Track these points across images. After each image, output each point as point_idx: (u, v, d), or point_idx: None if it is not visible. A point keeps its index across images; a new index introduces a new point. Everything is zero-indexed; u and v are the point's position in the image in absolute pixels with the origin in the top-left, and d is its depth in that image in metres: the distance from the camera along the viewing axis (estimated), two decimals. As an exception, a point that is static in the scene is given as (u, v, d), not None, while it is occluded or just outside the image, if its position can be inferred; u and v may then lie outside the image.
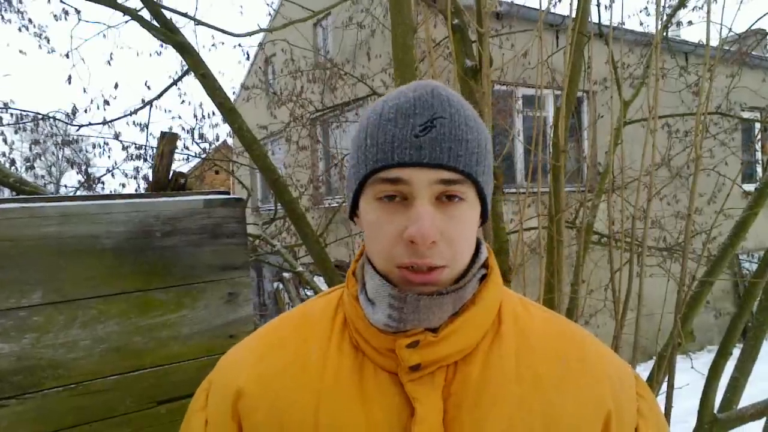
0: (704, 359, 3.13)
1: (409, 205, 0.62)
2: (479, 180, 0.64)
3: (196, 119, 5.23)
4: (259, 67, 8.25)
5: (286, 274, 5.96)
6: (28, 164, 4.69)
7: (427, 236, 0.60)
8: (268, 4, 6.10)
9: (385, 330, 0.65)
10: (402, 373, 0.65)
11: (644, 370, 2.87)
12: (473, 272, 0.68)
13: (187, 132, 5.09)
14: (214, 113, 5.43)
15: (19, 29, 4.44)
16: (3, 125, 4.08)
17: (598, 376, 0.68)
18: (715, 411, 2.30)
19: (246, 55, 5.68)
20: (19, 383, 1.15)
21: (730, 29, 2.51)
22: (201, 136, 5.17)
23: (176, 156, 1.57)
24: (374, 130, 0.64)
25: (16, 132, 4.50)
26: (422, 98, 0.63)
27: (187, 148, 5.06)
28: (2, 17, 4.32)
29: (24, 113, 4.01)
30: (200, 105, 5.85)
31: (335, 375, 0.67)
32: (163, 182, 1.47)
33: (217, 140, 5.63)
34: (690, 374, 2.97)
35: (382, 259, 0.65)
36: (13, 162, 4.26)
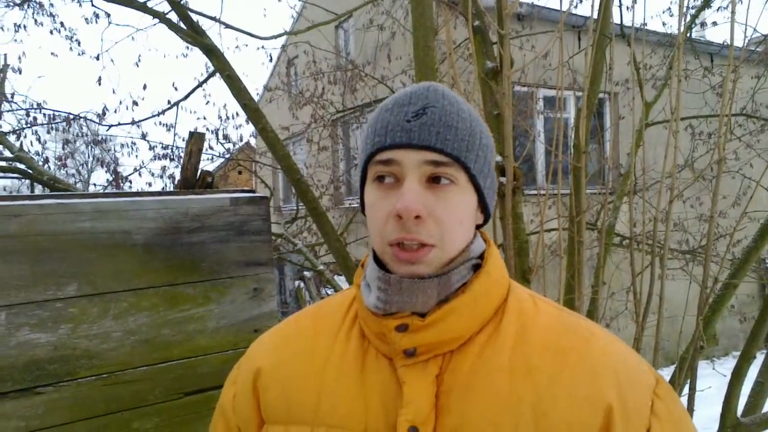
0: (729, 365, 3.08)
1: (400, 185, 0.66)
2: (469, 165, 0.67)
3: (221, 120, 5.33)
4: (286, 68, 8.34)
5: (307, 273, 6.02)
6: (60, 163, 4.83)
7: (411, 209, 0.63)
8: (291, 7, 6.17)
9: (376, 312, 0.69)
10: (396, 358, 0.68)
11: (666, 374, 2.84)
12: (460, 260, 0.69)
13: (212, 132, 5.19)
14: (237, 114, 5.53)
15: (51, 32, 4.58)
16: (37, 125, 4.21)
17: (598, 370, 0.65)
18: (739, 415, 2.28)
19: (269, 57, 5.75)
20: (55, 372, 1.20)
21: (756, 29, 2.48)
22: (225, 136, 5.27)
23: (202, 155, 1.62)
24: (374, 121, 0.71)
25: (48, 132, 4.64)
26: (417, 91, 0.70)
27: (212, 148, 5.16)
28: (35, 20, 4.47)
29: (56, 113, 4.14)
30: (224, 106, 5.96)
31: (339, 359, 0.73)
32: (191, 180, 1.52)
33: (241, 141, 5.73)
34: (713, 379, 2.94)
35: (378, 238, 0.69)
36: (46, 160, 4.40)
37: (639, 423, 0.62)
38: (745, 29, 2.30)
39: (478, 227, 0.75)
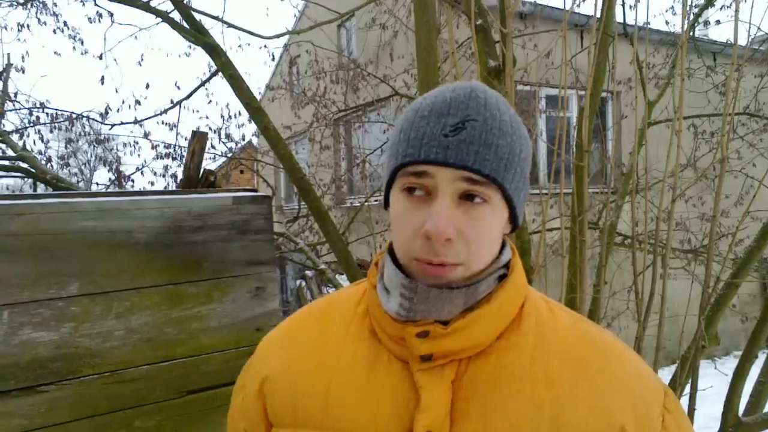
0: (730, 364, 3.08)
1: (431, 200, 0.63)
2: (506, 186, 0.64)
3: (223, 119, 5.33)
4: (288, 67, 8.34)
5: (308, 272, 6.03)
6: (63, 162, 4.84)
7: (442, 233, 0.61)
8: (293, 6, 6.18)
9: (397, 318, 0.67)
10: (413, 362, 0.67)
11: (667, 374, 2.84)
12: (488, 271, 0.68)
13: (214, 132, 5.20)
14: (240, 113, 5.54)
15: (54, 31, 4.58)
16: (39, 124, 4.22)
17: (615, 384, 0.65)
18: (740, 414, 2.28)
19: (271, 57, 5.76)
20: (57, 370, 1.20)
21: (759, 28, 2.47)
22: (227, 135, 5.27)
23: (204, 155, 1.62)
24: (408, 125, 0.66)
25: (51, 131, 4.65)
26: (458, 99, 0.64)
27: (214, 148, 5.16)
28: (38, 20, 4.48)
29: (59, 113, 4.15)
30: (227, 105, 5.96)
31: (349, 360, 0.71)
32: (194, 179, 1.53)
33: (243, 140, 5.73)
34: (714, 379, 2.93)
35: (402, 251, 0.67)
36: (49, 159, 4.41)
37: None
38: (749, 28, 2.30)
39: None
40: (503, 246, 0.72)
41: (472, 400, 0.65)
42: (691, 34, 4.31)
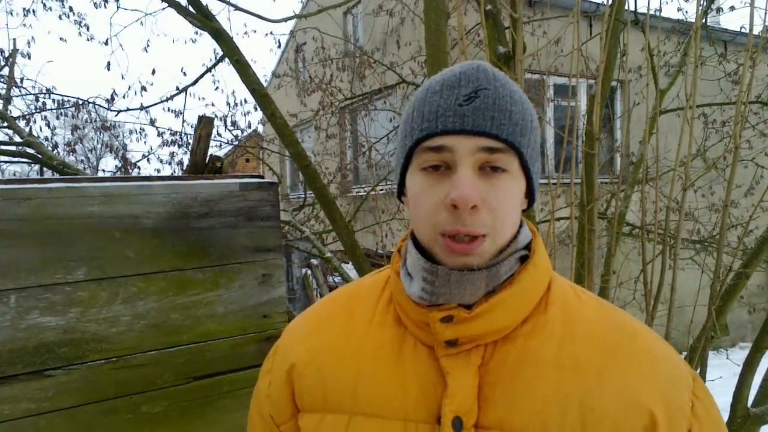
0: (736, 355, 3.07)
1: (452, 173, 0.63)
2: (523, 151, 0.64)
3: (229, 107, 5.32)
4: (294, 54, 8.29)
5: (314, 261, 6.04)
6: (69, 148, 4.85)
7: (469, 199, 0.60)
8: (300, -8, 6.12)
9: (420, 303, 0.67)
10: (438, 347, 0.67)
11: (674, 363, 2.82)
12: (509, 251, 0.67)
13: (220, 119, 5.18)
14: (245, 101, 5.51)
15: (60, 17, 4.56)
16: (46, 110, 4.22)
17: (644, 370, 0.64)
18: (749, 405, 2.27)
19: (278, 43, 5.72)
20: (65, 355, 1.20)
21: (775, 15, 2.42)
22: (233, 123, 5.26)
23: (210, 140, 1.61)
24: (421, 104, 0.66)
25: (57, 117, 4.65)
26: (467, 72, 0.65)
27: (220, 135, 5.15)
28: (44, 5, 4.46)
29: (65, 99, 4.14)
30: (232, 92, 5.94)
31: (375, 348, 0.71)
32: (200, 165, 1.51)
33: (249, 128, 5.71)
34: (722, 369, 2.92)
35: (427, 228, 0.65)
36: (55, 146, 4.41)
37: (681, 424, 0.62)
38: (765, 14, 2.25)
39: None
40: (523, 226, 0.72)
41: (498, 386, 0.65)
42: (703, 21, 4.24)
